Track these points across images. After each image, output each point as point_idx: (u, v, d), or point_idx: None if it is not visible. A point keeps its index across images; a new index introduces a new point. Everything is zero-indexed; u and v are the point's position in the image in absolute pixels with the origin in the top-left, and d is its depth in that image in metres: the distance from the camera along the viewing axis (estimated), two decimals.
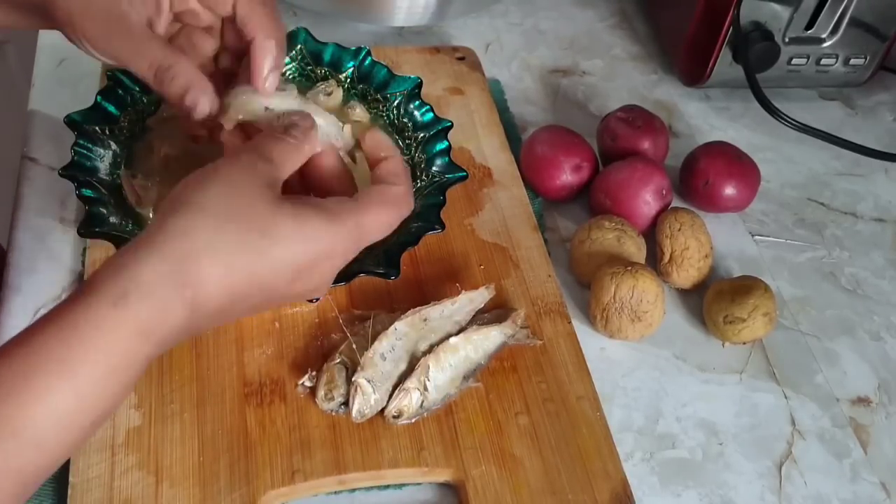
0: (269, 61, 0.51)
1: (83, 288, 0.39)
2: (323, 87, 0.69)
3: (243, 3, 0.51)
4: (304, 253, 0.43)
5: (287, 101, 0.52)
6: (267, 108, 0.51)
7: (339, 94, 0.69)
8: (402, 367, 0.56)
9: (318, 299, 0.55)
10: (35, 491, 0.39)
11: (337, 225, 0.44)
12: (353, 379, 0.54)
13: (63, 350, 0.37)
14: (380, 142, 0.51)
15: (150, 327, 0.39)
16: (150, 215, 0.59)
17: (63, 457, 0.39)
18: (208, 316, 0.41)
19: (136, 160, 0.62)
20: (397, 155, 0.51)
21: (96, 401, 0.38)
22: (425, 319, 0.58)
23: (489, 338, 0.58)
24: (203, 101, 0.49)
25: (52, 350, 0.37)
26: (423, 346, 0.57)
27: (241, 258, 0.41)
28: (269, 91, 0.51)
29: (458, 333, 0.57)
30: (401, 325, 0.57)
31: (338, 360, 0.55)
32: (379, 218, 0.47)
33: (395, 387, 0.55)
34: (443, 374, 0.55)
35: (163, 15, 0.50)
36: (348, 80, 0.70)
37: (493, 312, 0.61)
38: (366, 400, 0.53)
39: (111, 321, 0.38)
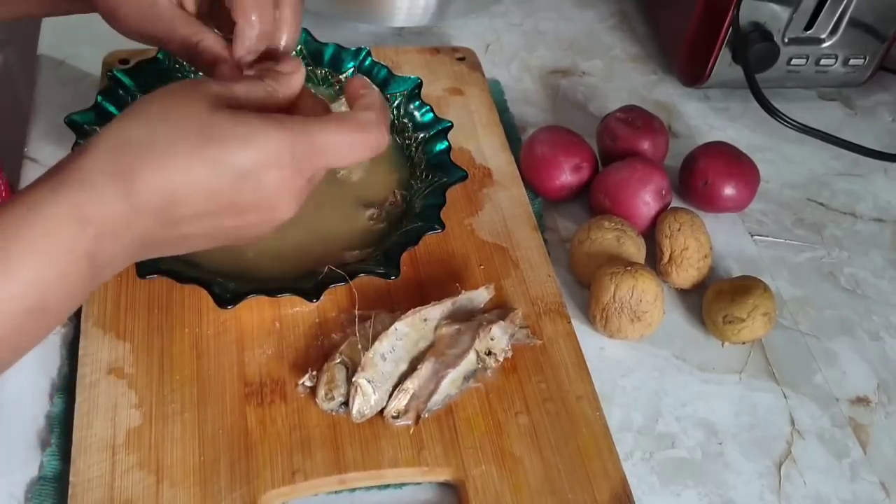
0: (243, 47, 0.51)
1: (33, 182, 0.39)
2: (343, 100, 0.69)
3: None
4: (245, 153, 0.41)
5: None
6: None
7: None
8: (403, 367, 0.56)
9: (316, 300, 0.55)
10: None
11: (282, 131, 0.42)
12: (353, 379, 0.54)
13: None
14: (360, 83, 0.48)
15: (85, 214, 0.39)
16: None
17: None
18: (152, 215, 0.40)
19: None
20: (375, 90, 0.48)
21: (29, 286, 0.38)
22: (425, 319, 0.58)
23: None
24: (226, 74, 0.51)
25: None
26: (423, 346, 0.57)
27: (176, 153, 0.40)
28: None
29: None
30: (401, 326, 0.57)
31: (338, 360, 0.55)
32: (338, 137, 0.44)
33: (395, 387, 0.55)
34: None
35: None
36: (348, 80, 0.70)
37: (493, 312, 0.61)
38: (366, 400, 0.54)
39: (47, 205, 0.38)
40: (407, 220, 0.62)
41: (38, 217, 0.38)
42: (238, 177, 0.41)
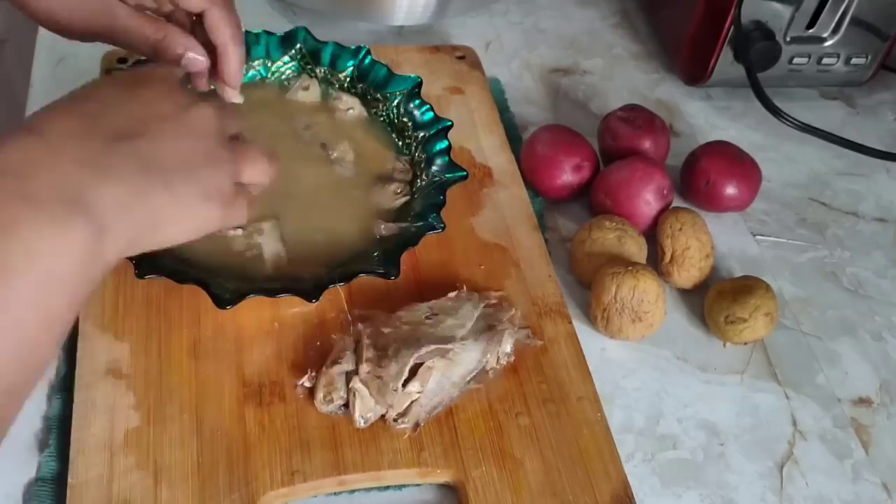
0: (238, 66, 0.55)
1: None
2: (298, 83, 0.69)
3: (212, 13, 0.53)
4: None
5: None
6: None
7: (315, 87, 0.69)
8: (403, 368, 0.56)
9: (315, 300, 0.54)
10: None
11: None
12: (350, 385, 0.53)
13: None
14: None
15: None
16: None
17: None
18: (68, 137, 0.38)
19: None
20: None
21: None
22: (425, 319, 0.58)
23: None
24: (199, 58, 0.54)
25: None
26: (423, 347, 0.57)
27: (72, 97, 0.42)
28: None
29: None
30: (399, 325, 0.56)
31: (338, 371, 0.55)
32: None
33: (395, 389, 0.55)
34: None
35: None
36: (348, 79, 0.70)
37: (492, 311, 0.60)
38: (366, 404, 0.53)
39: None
40: (407, 219, 0.62)
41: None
42: (131, 82, 0.44)
